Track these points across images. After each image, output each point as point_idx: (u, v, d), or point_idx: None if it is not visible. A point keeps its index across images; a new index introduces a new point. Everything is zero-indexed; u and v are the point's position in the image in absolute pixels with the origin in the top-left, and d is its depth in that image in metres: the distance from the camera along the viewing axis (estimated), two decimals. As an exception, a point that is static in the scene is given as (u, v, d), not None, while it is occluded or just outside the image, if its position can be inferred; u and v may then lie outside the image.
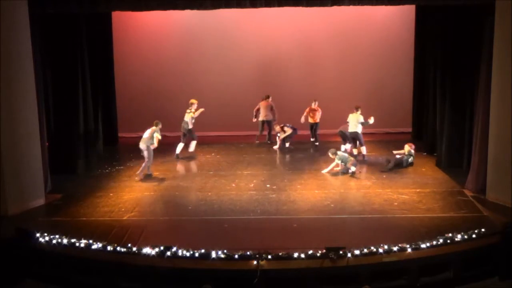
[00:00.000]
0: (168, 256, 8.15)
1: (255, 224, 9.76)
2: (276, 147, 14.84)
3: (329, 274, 8.11)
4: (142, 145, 12.41)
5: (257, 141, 15.43)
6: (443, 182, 11.74)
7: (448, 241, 8.41)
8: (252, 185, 11.83)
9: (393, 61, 16.14)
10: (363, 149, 13.73)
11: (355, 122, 13.50)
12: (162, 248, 8.19)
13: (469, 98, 11.80)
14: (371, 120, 13.48)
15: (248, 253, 8.08)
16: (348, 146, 13.89)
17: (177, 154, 14.12)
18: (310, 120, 15.20)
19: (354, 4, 10.91)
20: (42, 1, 10.54)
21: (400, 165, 12.82)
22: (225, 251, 8.12)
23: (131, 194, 11.36)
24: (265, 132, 15.57)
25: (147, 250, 8.23)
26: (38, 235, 8.74)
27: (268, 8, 11.43)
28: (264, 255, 7.99)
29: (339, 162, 12.43)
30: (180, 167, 13.32)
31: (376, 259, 8.12)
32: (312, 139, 15.36)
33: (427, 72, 13.99)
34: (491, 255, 8.56)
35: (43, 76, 11.68)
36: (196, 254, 8.13)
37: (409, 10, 15.22)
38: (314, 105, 15.08)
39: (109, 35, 15.38)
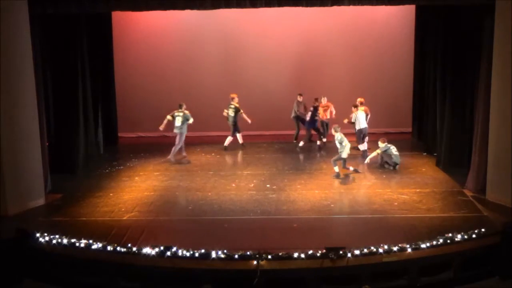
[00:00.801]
0: (168, 256, 8.15)
1: (255, 224, 9.77)
2: (324, 139, 14.93)
3: (329, 274, 8.12)
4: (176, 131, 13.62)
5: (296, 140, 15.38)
6: (443, 182, 11.74)
7: (448, 241, 8.42)
8: (252, 185, 11.83)
9: (393, 61, 16.12)
10: (366, 145, 13.79)
11: (363, 119, 13.71)
12: (162, 248, 8.20)
13: (469, 98, 11.80)
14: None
15: (248, 253, 8.09)
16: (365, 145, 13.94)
17: (225, 146, 14.78)
18: (322, 118, 14.92)
19: (354, 4, 10.90)
20: (42, 1, 10.54)
21: (394, 164, 12.74)
22: (225, 251, 8.12)
23: (131, 194, 11.36)
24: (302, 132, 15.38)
25: (147, 250, 8.24)
26: (38, 235, 8.74)
27: (269, 8, 11.44)
28: (264, 255, 7.99)
29: (338, 141, 12.29)
30: (180, 167, 13.30)
31: (376, 259, 8.13)
32: (318, 141, 15.05)
33: (427, 72, 13.99)
34: (491, 255, 8.56)
35: (43, 76, 11.68)
36: (196, 254, 8.14)
37: (409, 10, 15.20)
38: (324, 101, 14.86)
39: (109, 35, 15.37)
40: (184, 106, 13.69)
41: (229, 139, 14.79)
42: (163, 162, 13.70)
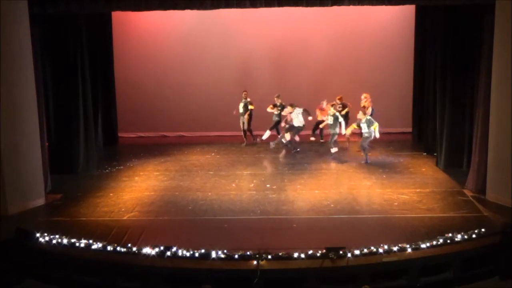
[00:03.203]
0: (168, 256, 8.15)
1: (255, 224, 9.76)
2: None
3: (329, 274, 8.12)
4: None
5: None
6: (443, 182, 11.74)
7: (448, 241, 8.41)
8: (252, 185, 11.83)
9: (393, 61, 16.13)
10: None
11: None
12: (162, 248, 8.19)
13: (469, 98, 11.80)
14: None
15: (248, 253, 8.08)
16: None
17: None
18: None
19: (354, 4, 10.90)
20: (42, 1, 10.55)
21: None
22: (225, 251, 8.12)
23: (131, 194, 11.36)
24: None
25: (147, 250, 8.23)
26: (38, 235, 8.73)
27: (269, 9, 11.44)
28: (264, 255, 7.98)
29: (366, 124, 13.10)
30: (180, 167, 13.31)
31: (376, 259, 8.12)
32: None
33: (427, 72, 13.99)
34: (491, 255, 8.56)
35: (43, 76, 11.68)
36: (196, 254, 8.13)
37: (409, 10, 15.21)
38: (323, 105, 14.91)
39: (109, 35, 15.37)
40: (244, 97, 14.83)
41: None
42: (163, 162, 13.70)
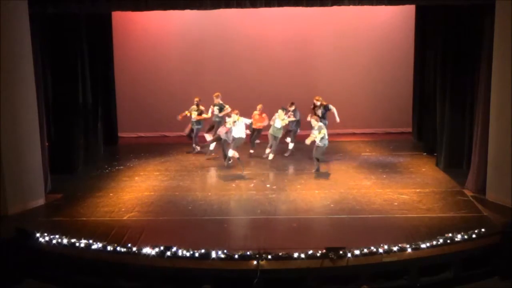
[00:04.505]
0: (168, 256, 8.16)
1: (255, 224, 9.77)
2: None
3: (329, 274, 8.13)
4: None
5: None
6: (443, 182, 11.73)
7: (448, 241, 8.43)
8: (252, 185, 11.83)
9: (393, 61, 16.11)
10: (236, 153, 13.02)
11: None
12: (162, 248, 8.21)
13: (469, 97, 11.80)
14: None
15: (248, 253, 8.10)
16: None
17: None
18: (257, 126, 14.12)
19: (354, 4, 10.90)
20: (42, 1, 10.55)
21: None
22: (225, 251, 8.13)
23: (131, 194, 11.36)
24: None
25: (147, 250, 8.24)
26: (38, 235, 8.75)
27: (269, 9, 11.44)
28: (264, 255, 8.00)
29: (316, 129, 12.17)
30: (180, 167, 13.30)
31: (376, 259, 8.13)
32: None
33: (427, 72, 13.99)
34: (491, 255, 8.57)
35: (43, 76, 11.68)
36: (196, 254, 8.15)
37: (409, 10, 15.21)
38: (259, 109, 14.16)
39: (109, 35, 15.36)
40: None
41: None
42: (163, 162, 13.70)
